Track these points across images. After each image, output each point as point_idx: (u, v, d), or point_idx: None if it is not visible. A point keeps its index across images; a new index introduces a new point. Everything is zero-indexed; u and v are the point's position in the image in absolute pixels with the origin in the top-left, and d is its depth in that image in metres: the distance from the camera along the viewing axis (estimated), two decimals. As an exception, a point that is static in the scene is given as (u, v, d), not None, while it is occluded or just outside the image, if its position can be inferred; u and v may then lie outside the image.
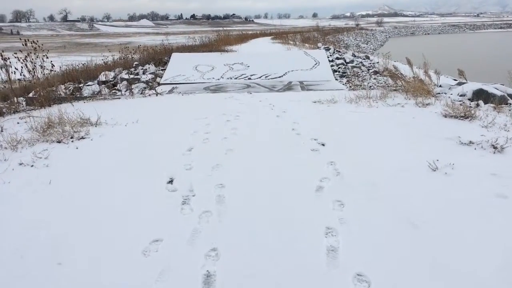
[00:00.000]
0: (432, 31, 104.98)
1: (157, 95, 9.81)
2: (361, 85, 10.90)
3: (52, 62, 9.66)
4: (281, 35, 36.92)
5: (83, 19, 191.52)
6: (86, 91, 11.02)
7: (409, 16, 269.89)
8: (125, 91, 10.28)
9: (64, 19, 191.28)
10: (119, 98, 9.44)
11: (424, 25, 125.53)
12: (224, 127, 6.24)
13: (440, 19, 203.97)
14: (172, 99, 9.30)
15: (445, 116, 6.34)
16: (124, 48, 16.60)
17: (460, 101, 7.28)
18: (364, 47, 45.61)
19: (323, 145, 5.23)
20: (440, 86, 8.50)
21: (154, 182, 4.11)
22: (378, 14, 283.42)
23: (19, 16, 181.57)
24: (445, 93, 7.95)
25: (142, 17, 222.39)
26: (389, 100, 7.82)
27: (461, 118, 6.15)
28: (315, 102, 8.08)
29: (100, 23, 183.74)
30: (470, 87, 7.72)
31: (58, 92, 9.48)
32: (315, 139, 5.45)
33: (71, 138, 5.73)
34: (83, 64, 14.44)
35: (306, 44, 21.24)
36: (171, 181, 4.16)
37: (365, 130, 5.86)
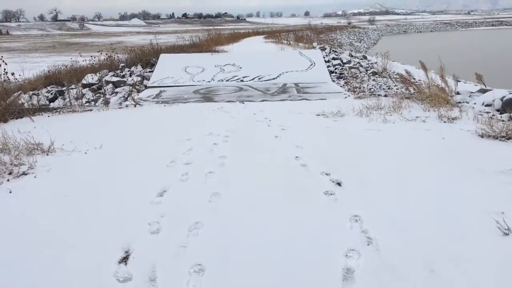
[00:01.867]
0: (424, 29, 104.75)
1: (135, 106, 8.67)
2: (360, 87, 10.29)
3: (5, 70, 8.76)
4: (274, 34, 36.23)
5: (73, 19, 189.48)
6: (56, 103, 10.25)
7: (400, 14, 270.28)
8: (106, 97, 9.39)
9: (55, 18, 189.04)
10: (91, 110, 8.35)
11: (416, 23, 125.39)
12: (210, 155, 4.93)
13: (432, 17, 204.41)
14: (152, 112, 8.08)
15: (482, 136, 5.20)
16: (110, 49, 15.87)
17: (487, 112, 6.37)
18: (357, 45, 45.08)
19: (339, 184, 3.87)
20: (458, 93, 7.48)
21: (100, 261, 2.72)
22: (370, 12, 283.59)
23: (8, 16, 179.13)
24: (467, 102, 7.03)
25: (133, 16, 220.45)
26: (405, 112, 6.71)
27: (503, 139, 5.03)
28: (318, 115, 6.96)
29: (91, 22, 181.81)
30: (497, 95, 6.57)
31: (22, 102, 8.59)
32: (327, 174, 4.13)
33: (10, 174, 4.33)
34: (65, 66, 13.68)
35: (300, 44, 20.60)
36: (125, 259, 2.75)
37: (389, 160, 4.54)
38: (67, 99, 9.28)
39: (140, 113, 8.05)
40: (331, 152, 4.89)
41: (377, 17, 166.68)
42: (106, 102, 8.85)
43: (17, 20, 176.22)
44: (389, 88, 10.01)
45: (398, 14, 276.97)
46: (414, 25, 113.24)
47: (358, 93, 9.41)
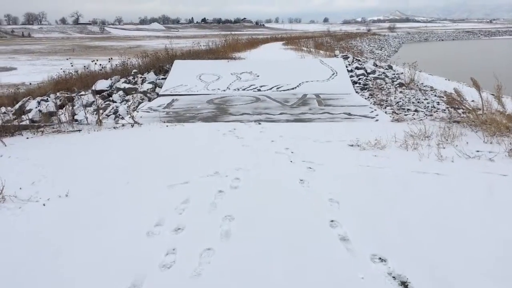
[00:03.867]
0: (446, 37, 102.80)
1: (133, 126, 7.32)
2: (386, 100, 9.48)
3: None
4: (293, 41, 35.54)
5: (94, 22, 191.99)
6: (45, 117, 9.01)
7: (421, 22, 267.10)
8: (100, 114, 7.89)
9: (76, 22, 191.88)
10: (80, 130, 7.11)
11: (437, 31, 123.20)
12: (211, 214, 3.56)
13: (453, 25, 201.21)
14: (149, 136, 6.69)
15: None
16: (123, 53, 15.37)
17: None
18: (378, 53, 44.02)
19: (404, 285, 2.54)
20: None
21: None
22: (390, 20, 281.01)
23: (31, 19, 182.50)
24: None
25: (153, 20, 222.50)
26: (461, 144, 5.38)
27: None
28: (352, 145, 5.62)
29: (111, 26, 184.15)
30: None
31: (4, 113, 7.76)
32: (381, 260, 2.79)
33: None
34: (76, 72, 13.19)
35: (321, 51, 19.82)
36: None
37: (466, 231, 3.17)
38: (61, 112, 8.41)
39: (134, 137, 6.63)
40: (380, 215, 3.46)
41: (397, 25, 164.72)
42: (99, 121, 7.59)
43: (39, 23, 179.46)
44: (418, 102, 9.18)
45: (418, 21, 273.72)
46: (436, 33, 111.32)
47: (393, 113, 8.60)
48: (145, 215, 3.57)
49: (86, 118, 7.97)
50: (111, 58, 13.95)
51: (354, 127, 6.90)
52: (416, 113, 8.18)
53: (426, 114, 8.02)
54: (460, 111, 7.14)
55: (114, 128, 7.30)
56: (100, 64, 14.21)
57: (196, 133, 6.79)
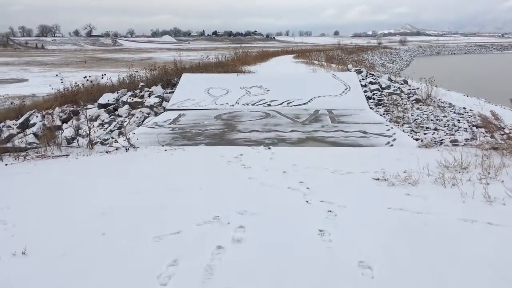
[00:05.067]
0: (458, 51, 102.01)
1: (127, 150, 6.50)
2: (403, 117, 9.00)
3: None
4: (303, 54, 35.23)
5: (107, 35, 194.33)
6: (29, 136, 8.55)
7: (432, 35, 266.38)
8: (91, 136, 7.03)
9: (89, 34, 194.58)
10: (67, 155, 6.23)
11: (449, 45, 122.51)
12: (205, 285, 2.75)
13: (464, 39, 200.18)
14: (142, 164, 5.79)
15: None
16: (132, 66, 15.09)
17: None
18: (390, 66, 43.56)
19: None
20: None
21: None
22: (401, 33, 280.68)
23: (45, 31, 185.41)
24: None
25: (164, 33, 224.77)
26: (507, 179, 4.58)
27: None
28: (377, 179, 4.77)
29: (123, 38, 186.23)
30: None
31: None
32: None
33: None
34: (82, 85, 12.90)
35: (333, 65, 19.42)
36: None
37: None
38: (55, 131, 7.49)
39: (124, 167, 5.66)
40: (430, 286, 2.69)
41: (408, 38, 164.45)
42: (90, 144, 6.78)
43: (53, 35, 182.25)
44: (437, 120, 8.69)
45: (429, 35, 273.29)
46: (447, 47, 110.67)
47: (411, 131, 8.11)
48: (119, 284, 2.75)
49: (77, 141, 7.47)
50: (104, 75, 13.51)
51: (377, 154, 6.03)
52: (436, 131, 7.69)
53: (447, 133, 7.53)
54: (496, 135, 6.43)
55: (107, 152, 6.43)
56: (102, 75, 13.90)
57: (196, 161, 5.91)
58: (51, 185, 4.94)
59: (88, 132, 7.07)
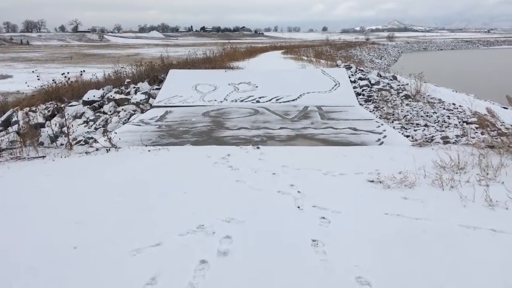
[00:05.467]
0: (445, 46, 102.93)
1: (109, 151, 6.06)
2: (393, 114, 8.91)
3: None
4: (292, 49, 35.10)
5: (93, 30, 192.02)
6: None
7: (419, 31, 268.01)
8: (70, 137, 6.52)
9: (75, 29, 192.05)
10: (44, 157, 5.82)
11: (436, 40, 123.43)
12: None
13: (451, 35, 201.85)
14: (122, 168, 5.30)
15: None
16: (118, 62, 14.78)
17: None
18: (378, 62, 43.64)
19: None
20: None
21: None
22: (388, 29, 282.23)
23: (30, 26, 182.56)
24: None
25: (152, 28, 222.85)
26: (508, 180, 4.38)
27: None
28: (372, 181, 4.52)
29: (110, 34, 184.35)
30: None
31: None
32: None
33: None
34: (67, 80, 12.59)
35: (322, 61, 19.31)
36: None
37: None
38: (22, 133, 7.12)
39: (102, 170, 5.23)
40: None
41: (396, 34, 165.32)
42: (69, 144, 6.31)
43: (38, 31, 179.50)
44: (427, 116, 8.61)
45: (416, 31, 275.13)
46: (435, 43, 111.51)
47: (401, 127, 8.02)
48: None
49: (56, 142, 6.94)
50: (83, 71, 12.95)
51: (370, 153, 5.79)
52: (426, 128, 7.61)
53: (437, 130, 7.45)
54: (493, 133, 6.25)
55: (86, 153, 5.99)
56: (81, 71, 13.31)
57: (181, 162, 5.52)
58: (23, 191, 4.52)
59: (67, 131, 6.68)
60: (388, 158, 5.47)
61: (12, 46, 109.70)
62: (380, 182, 4.47)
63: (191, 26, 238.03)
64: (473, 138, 6.64)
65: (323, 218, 3.63)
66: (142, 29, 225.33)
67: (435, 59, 55.50)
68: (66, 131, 10.31)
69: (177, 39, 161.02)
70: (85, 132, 8.75)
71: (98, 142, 6.71)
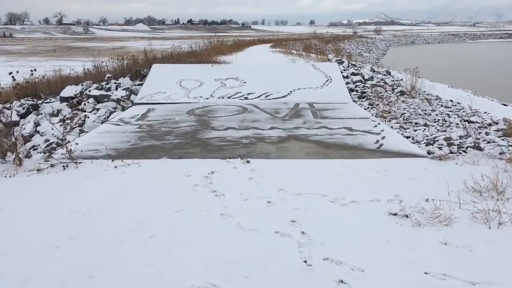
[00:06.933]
0: (432, 40, 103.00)
1: (66, 167, 5.06)
2: (389, 111, 8.41)
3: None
4: (280, 43, 34.47)
5: (78, 23, 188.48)
6: None
7: (405, 25, 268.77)
8: (18, 151, 5.44)
9: (59, 22, 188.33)
10: None
11: (423, 34, 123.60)
12: None
13: (437, 28, 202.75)
14: (80, 193, 4.32)
15: None
16: (98, 55, 14.04)
17: None
18: (367, 56, 43.21)
19: None
20: None
21: None
22: (375, 22, 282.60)
23: (13, 19, 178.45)
24: None
25: (138, 21, 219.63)
26: None
27: None
28: (395, 214, 3.63)
29: (95, 26, 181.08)
30: None
31: None
32: None
33: None
34: (42, 77, 11.86)
35: (312, 55, 18.76)
36: None
37: None
38: None
39: (50, 198, 4.20)
40: None
41: (383, 27, 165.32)
42: (17, 159, 5.21)
43: (22, 23, 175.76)
44: (426, 114, 8.12)
45: (403, 24, 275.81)
46: (422, 36, 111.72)
47: (400, 127, 7.52)
48: None
49: (4, 155, 5.64)
50: (34, 70, 11.55)
51: (382, 169, 4.86)
52: (426, 128, 7.12)
53: (438, 130, 6.96)
54: None
55: (38, 171, 4.95)
56: (31, 70, 11.74)
57: (153, 185, 4.47)
58: None
59: (14, 140, 5.56)
60: (406, 176, 4.61)
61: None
62: (407, 217, 3.58)
63: (178, 19, 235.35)
64: (478, 139, 6.18)
65: (342, 282, 2.69)
66: (128, 22, 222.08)
67: (424, 52, 55.33)
68: (44, 130, 9.62)
69: (163, 32, 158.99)
70: (53, 136, 7.98)
71: (53, 157, 5.44)
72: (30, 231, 3.50)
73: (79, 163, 5.24)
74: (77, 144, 6.11)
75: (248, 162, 5.25)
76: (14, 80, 7.31)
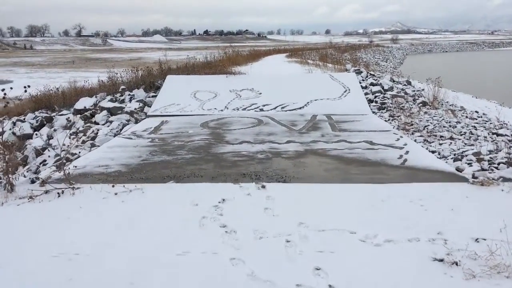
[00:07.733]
0: (449, 48, 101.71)
1: (61, 194, 4.60)
2: (412, 124, 8.03)
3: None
4: (296, 52, 34.25)
5: (97, 34, 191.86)
6: None
7: (422, 33, 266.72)
8: (9, 176, 4.79)
9: (79, 34, 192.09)
10: None
11: (440, 42, 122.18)
12: None
13: (455, 37, 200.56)
14: (72, 226, 3.86)
15: None
16: (113, 66, 13.96)
17: None
18: (383, 65, 42.69)
19: None
20: None
21: None
22: (391, 31, 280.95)
23: (34, 31, 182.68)
24: None
25: (155, 32, 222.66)
26: None
27: None
28: (441, 260, 3.03)
29: (113, 38, 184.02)
30: None
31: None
32: None
33: None
34: (57, 89, 11.81)
35: (329, 65, 18.43)
36: None
37: None
38: None
39: (39, 234, 3.73)
40: None
41: (399, 36, 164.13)
42: (9, 185, 4.75)
43: (42, 35, 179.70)
44: (451, 126, 7.71)
45: (420, 33, 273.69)
46: (439, 45, 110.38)
47: (424, 141, 7.13)
48: None
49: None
50: (28, 86, 11.46)
51: (416, 197, 4.28)
52: (452, 141, 6.72)
53: (465, 144, 6.56)
54: None
55: (30, 198, 4.46)
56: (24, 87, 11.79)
57: (154, 217, 3.99)
58: None
59: (7, 165, 4.84)
60: (446, 207, 4.01)
61: (15, 51, 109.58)
62: (456, 264, 2.94)
63: (194, 29, 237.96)
64: (509, 154, 5.76)
65: None
66: (146, 33, 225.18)
67: (443, 61, 54.47)
68: (56, 142, 9.40)
69: (180, 42, 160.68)
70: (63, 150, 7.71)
71: (47, 183, 4.86)
72: (11, 276, 3.02)
73: (76, 188, 4.76)
74: (76, 166, 5.64)
75: (263, 187, 4.74)
76: (26, 92, 7.14)
